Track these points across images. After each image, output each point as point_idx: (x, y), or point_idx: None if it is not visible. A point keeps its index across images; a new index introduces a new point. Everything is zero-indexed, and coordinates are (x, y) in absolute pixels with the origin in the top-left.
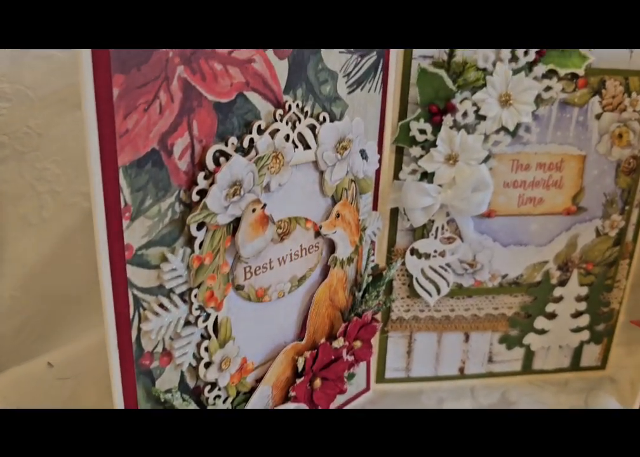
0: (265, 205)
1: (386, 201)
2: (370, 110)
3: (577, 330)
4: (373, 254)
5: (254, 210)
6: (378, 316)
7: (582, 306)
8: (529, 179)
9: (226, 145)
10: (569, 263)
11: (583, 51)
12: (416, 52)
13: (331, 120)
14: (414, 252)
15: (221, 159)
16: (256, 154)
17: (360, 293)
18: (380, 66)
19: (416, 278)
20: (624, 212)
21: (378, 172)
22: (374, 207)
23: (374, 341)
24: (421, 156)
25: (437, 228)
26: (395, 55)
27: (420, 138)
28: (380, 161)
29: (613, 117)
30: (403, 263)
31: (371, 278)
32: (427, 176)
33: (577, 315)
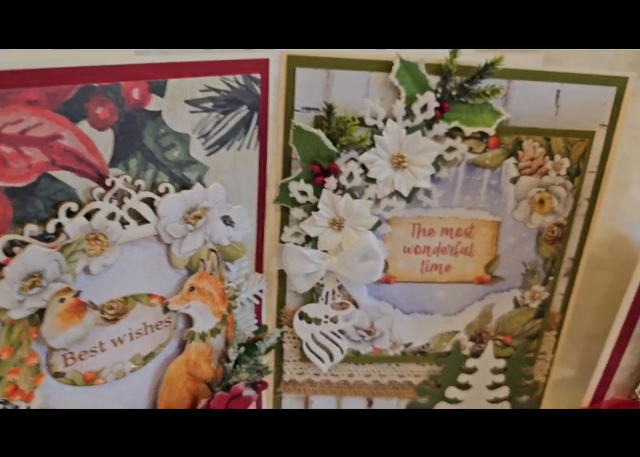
0: (79, 292)
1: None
2: (241, 169)
3: (495, 401)
4: (256, 318)
5: (62, 300)
6: (270, 377)
7: (500, 378)
8: (433, 245)
9: (22, 233)
10: (483, 334)
11: (496, 107)
12: (298, 103)
13: (184, 187)
14: (303, 316)
15: (17, 249)
16: (67, 239)
17: (231, 364)
18: (254, 121)
19: (307, 344)
20: (547, 283)
21: (261, 232)
22: (258, 269)
23: (268, 401)
24: (304, 218)
25: (327, 293)
26: (274, 106)
27: (301, 199)
28: (262, 221)
29: (532, 181)
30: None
31: (243, 348)
32: (312, 240)
33: (494, 386)
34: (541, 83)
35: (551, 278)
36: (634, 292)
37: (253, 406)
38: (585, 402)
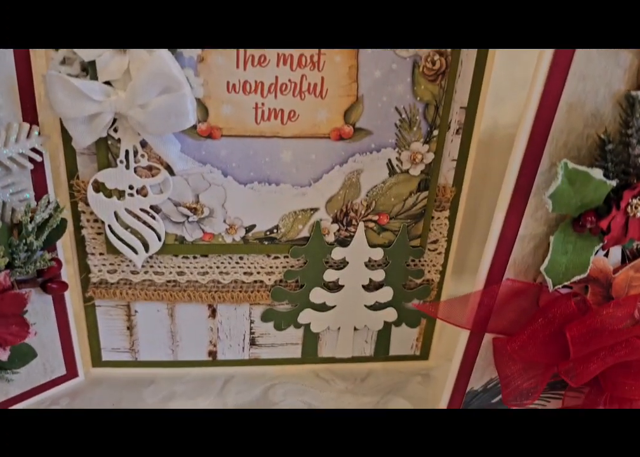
0: None
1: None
2: None
3: (377, 307)
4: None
5: None
6: (76, 278)
7: (379, 275)
8: (268, 80)
9: None
10: (350, 213)
11: None
12: None
13: None
14: (100, 187)
15: None
16: None
17: None
18: None
19: (110, 227)
20: (430, 139)
21: (23, 62)
22: (27, 118)
23: (77, 313)
24: None
25: (127, 153)
26: None
27: None
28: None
29: None
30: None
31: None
32: (90, 67)
33: (373, 287)
34: None
35: (436, 132)
36: (526, 137)
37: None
38: (478, 286)
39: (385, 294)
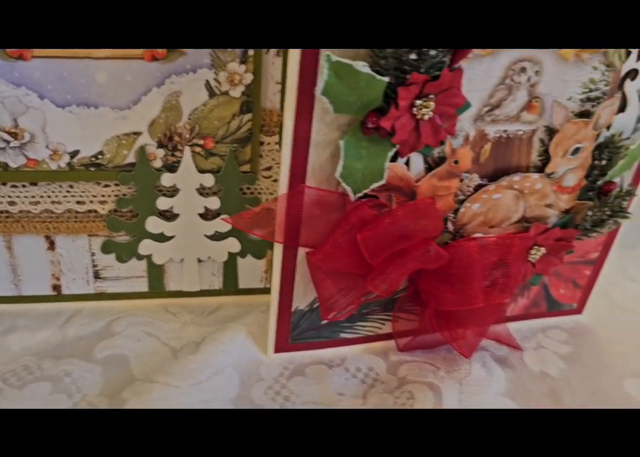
0: None
1: None
2: None
3: (218, 237)
4: None
5: None
6: None
7: (214, 203)
8: None
9: None
10: (175, 137)
11: None
12: None
13: None
14: None
15: None
16: None
17: None
18: None
19: None
20: (246, 59)
21: None
22: None
23: None
24: None
25: None
26: None
27: None
28: None
29: None
30: None
31: None
32: None
33: (210, 216)
34: None
35: (251, 52)
36: None
37: None
38: (282, 195)
39: (223, 223)
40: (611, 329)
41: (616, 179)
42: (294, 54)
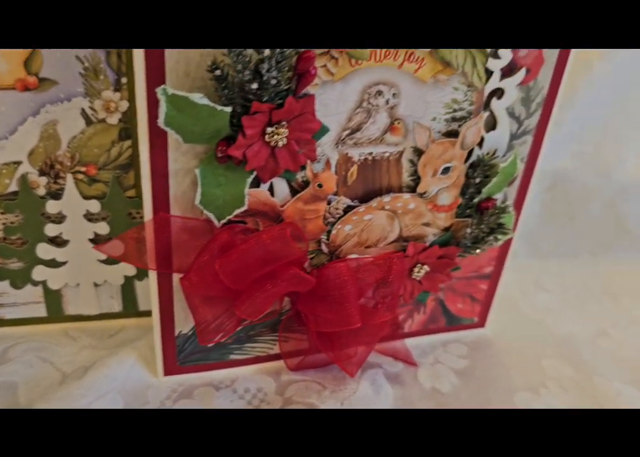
0: None
1: None
2: None
3: (111, 261)
4: None
5: None
6: None
7: (103, 228)
8: None
9: None
10: (56, 166)
11: None
12: None
13: None
14: None
15: None
16: None
17: None
18: None
19: None
20: (121, 88)
21: None
22: None
23: None
24: None
25: None
26: None
27: None
28: None
29: None
30: None
31: None
32: None
33: (103, 240)
34: None
35: (124, 79)
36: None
37: None
38: (148, 223)
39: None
40: (512, 341)
41: (497, 196)
42: (140, 84)
